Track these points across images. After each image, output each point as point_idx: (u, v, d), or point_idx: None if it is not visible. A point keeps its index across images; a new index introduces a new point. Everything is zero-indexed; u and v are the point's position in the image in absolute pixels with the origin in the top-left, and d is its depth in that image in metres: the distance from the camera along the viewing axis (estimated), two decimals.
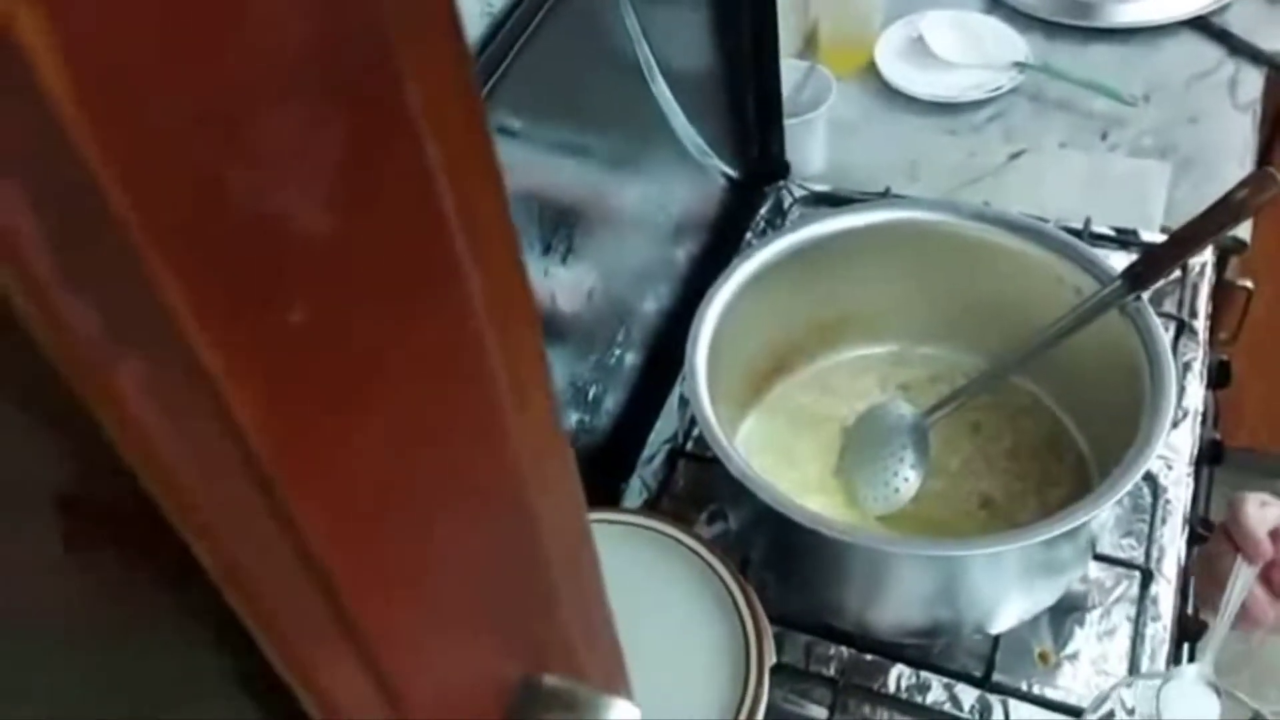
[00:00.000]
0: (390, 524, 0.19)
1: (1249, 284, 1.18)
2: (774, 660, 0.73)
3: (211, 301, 0.14)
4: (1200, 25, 1.36)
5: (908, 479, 0.88)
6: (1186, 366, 1.01)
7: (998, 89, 1.31)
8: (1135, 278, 0.81)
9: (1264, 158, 1.33)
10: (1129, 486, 0.72)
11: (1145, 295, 0.82)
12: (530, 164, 0.83)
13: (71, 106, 0.12)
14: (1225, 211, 0.77)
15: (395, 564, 0.19)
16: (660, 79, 0.98)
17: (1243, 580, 0.84)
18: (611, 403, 1.02)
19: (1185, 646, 0.89)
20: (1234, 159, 1.23)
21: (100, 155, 0.12)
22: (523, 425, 0.21)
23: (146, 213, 0.12)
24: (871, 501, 0.89)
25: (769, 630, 0.75)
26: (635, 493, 1.00)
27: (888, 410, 0.93)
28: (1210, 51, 1.35)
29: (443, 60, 0.17)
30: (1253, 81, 1.31)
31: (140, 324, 0.13)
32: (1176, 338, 1.03)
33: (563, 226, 0.88)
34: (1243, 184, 0.77)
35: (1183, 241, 0.81)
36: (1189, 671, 0.75)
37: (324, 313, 0.16)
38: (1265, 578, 0.87)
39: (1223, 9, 1.37)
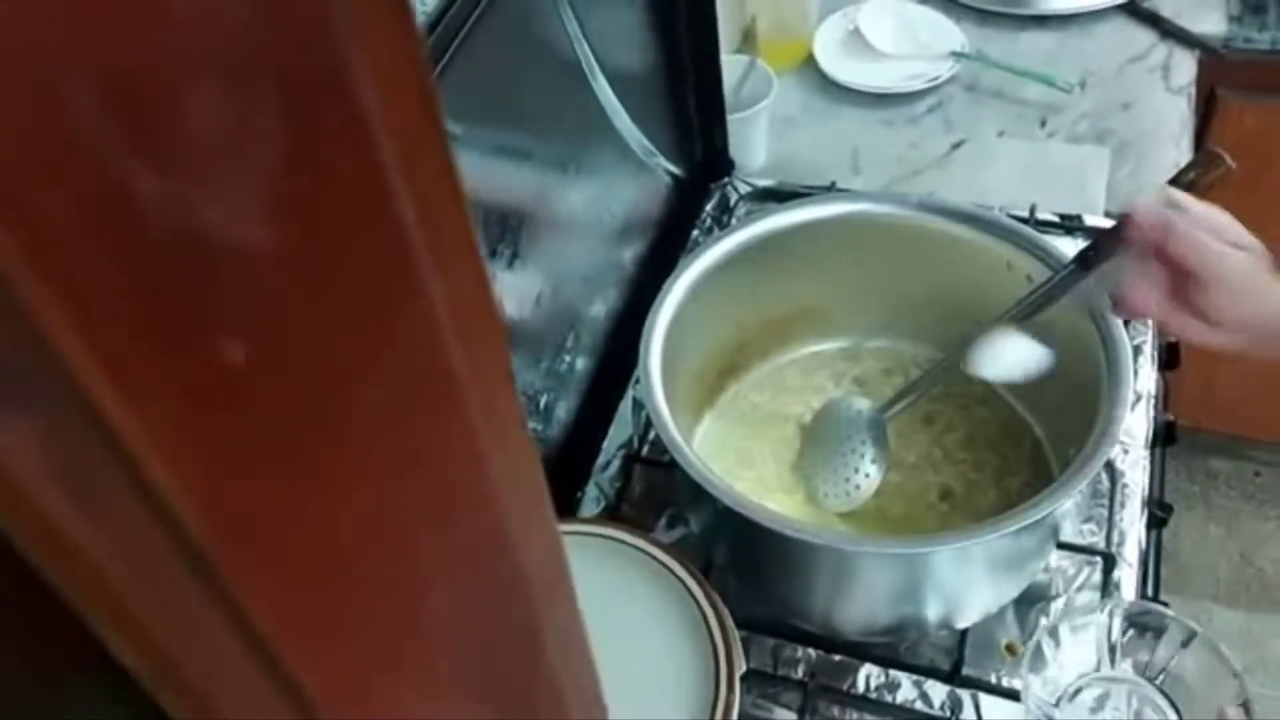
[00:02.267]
0: (363, 602, 0.16)
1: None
2: (744, 668, 0.72)
3: (120, 341, 0.11)
4: (1131, 10, 1.37)
5: (868, 475, 0.87)
6: (1137, 350, 1.01)
7: (935, 79, 1.31)
8: (1087, 261, 0.81)
9: (1199, 139, 1.35)
10: (1093, 474, 0.72)
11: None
12: (472, 169, 0.81)
13: None
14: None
15: (372, 650, 0.16)
16: (602, 79, 0.96)
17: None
18: (563, 410, 1.00)
19: None
20: (1170, 142, 1.24)
21: None
22: (501, 458, 0.19)
23: (27, 225, 0.10)
24: (832, 499, 0.88)
25: (737, 638, 0.73)
26: (592, 501, 0.98)
27: (844, 406, 0.92)
28: (1142, 36, 1.36)
29: (394, 43, 0.15)
30: (1185, 65, 1.32)
31: (26, 375, 0.11)
32: (1127, 322, 1.03)
33: (508, 232, 0.86)
34: (1191, 164, 0.77)
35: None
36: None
37: (266, 348, 0.13)
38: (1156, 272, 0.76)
39: None
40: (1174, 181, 0.77)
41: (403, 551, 0.17)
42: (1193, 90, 1.30)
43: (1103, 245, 0.80)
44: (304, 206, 0.14)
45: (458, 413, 0.18)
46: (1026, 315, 0.82)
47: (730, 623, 0.73)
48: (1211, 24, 1.35)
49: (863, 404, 0.91)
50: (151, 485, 0.12)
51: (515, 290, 0.90)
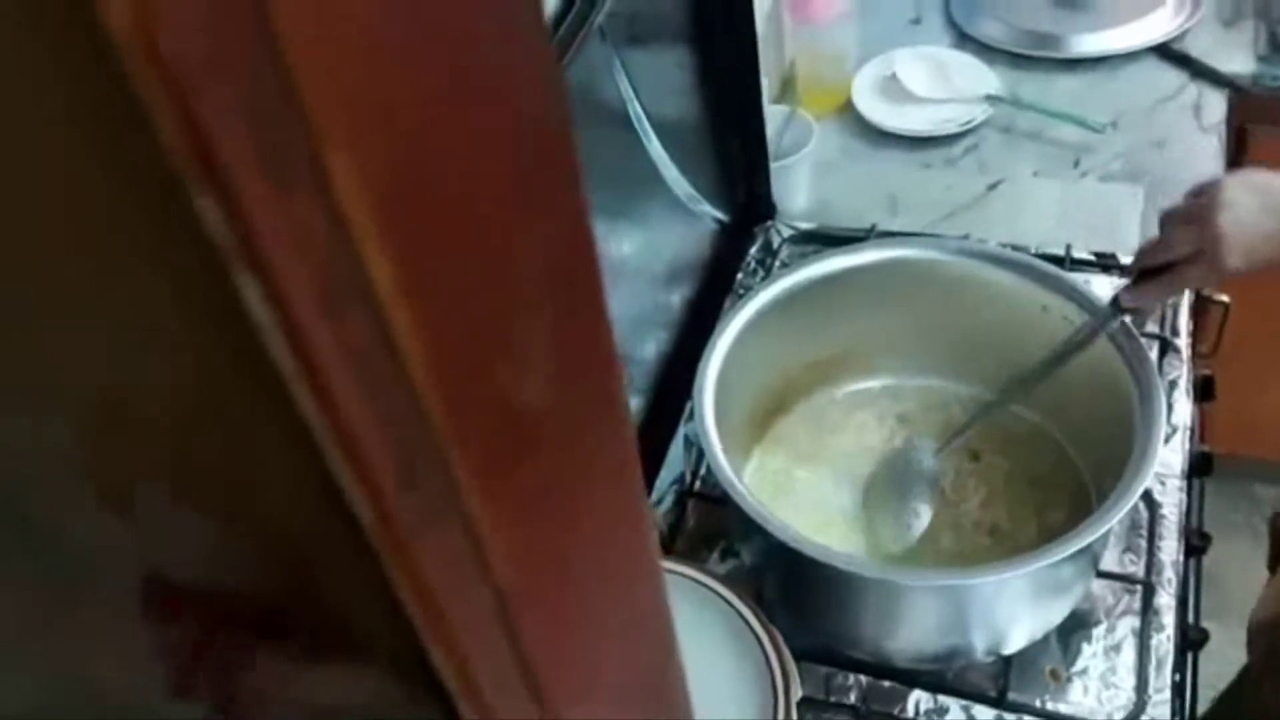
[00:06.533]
0: (582, 633, 0.21)
1: (1225, 299, 1.22)
2: (800, 695, 0.76)
3: (484, 478, 0.17)
4: (1161, 51, 1.41)
5: (918, 514, 0.91)
6: (1173, 384, 1.05)
7: (970, 122, 1.36)
8: (1122, 303, 0.84)
9: None
10: (1128, 507, 0.75)
11: (1129, 320, 0.86)
12: None
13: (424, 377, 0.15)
14: None
15: (586, 666, 0.22)
16: (651, 133, 1.02)
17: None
18: None
19: (1189, 656, 0.92)
20: (1203, 179, 1.27)
21: (441, 406, 0.15)
22: (643, 531, 0.24)
23: (459, 424, 0.15)
24: (892, 544, 0.92)
25: (794, 666, 0.77)
26: None
27: (905, 457, 0.96)
28: (1172, 76, 1.39)
29: (595, 262, 0.21)
30: (1216, 103, 1.35)
31: (445, 507, 0.16)
32: (1161, 356, 1.07)
33: None
34: None
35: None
36: None
37: (543, 468, 0.19)
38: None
39: (1182, 35, 1.42)
40: None
41: (605, 599, 0.23)
42: (1224, 128, 1.33)
43: (1136, 288, 0.84)
44: (564, 374, 0.20)
45: (634, 502, 0.23)
46: (1065, 357, 0.85)
47: (786, 651, 0.77)
48: (1240, 63, 1.39)
49: (921, 454, 0.95)
50: (486, 559, 0.17)
51: None
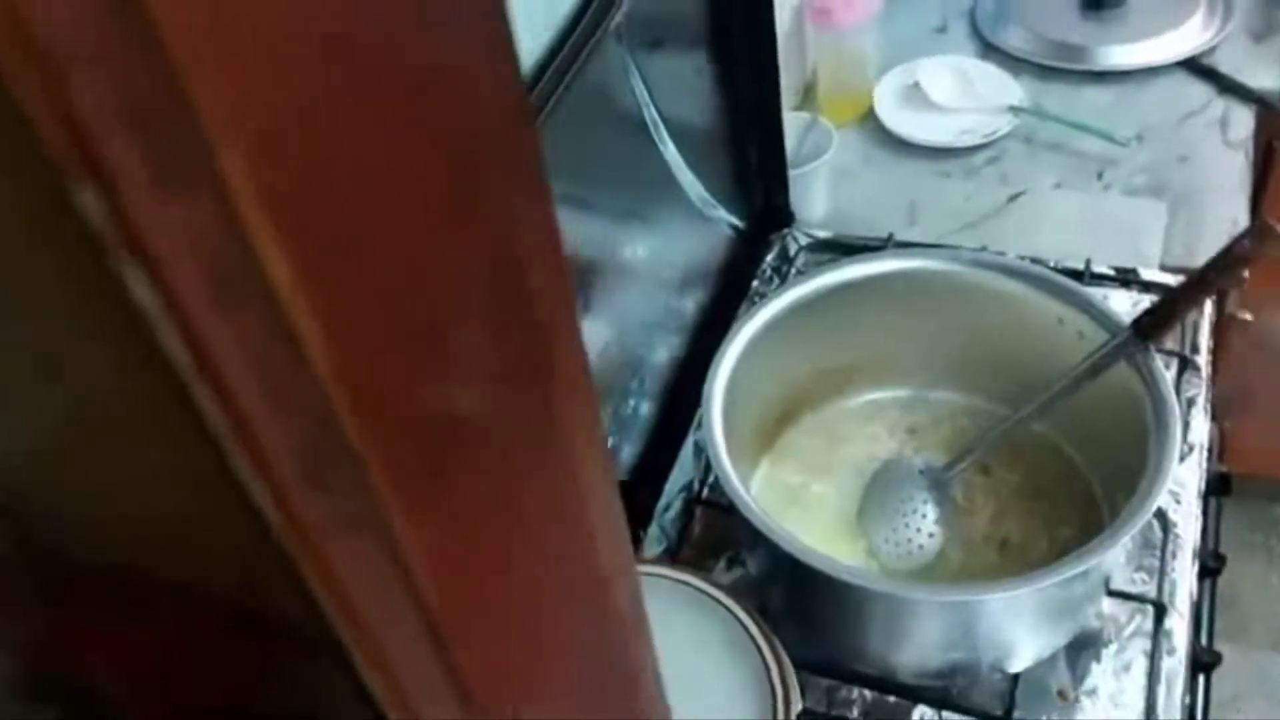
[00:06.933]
0: (524, 643, 0.21)
1: (1249, 317, 1.20)
2: (800, 707, 0.75)
3: (406, 486, 0.16)
4: (1189, 66, 1.40)
5: (932, 535, 0.89)
6: (1191, 402, 1.03)
7: (993, 133, 1.35)
8: (1144, 329, 0.82)
9: (1257, 193, 1.36)
10: (1139, 526, 0.74)
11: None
12: None
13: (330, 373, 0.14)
14: (1229, 263, 0.79)
15: (527, 673, 0.21)
16: (667, 137, 1.01)
17: None
18: (628, 453, 1.05)
19: (1201, 678, 0.91)
20: (1228, 195, 1.26)
21: (350, 408, 0.15)
22: (608, 539, 0.23)
23: (374, 429, 0.15)
24: (894, 559, 0.90)
25: (794, 678, 0.76)
26: (654, 541, 1.02)
27: (903, 465, 0.94)
28: (1200, 91, 1.38)
29: (555, 270, 0.20)
30: (1243, 119, 1.34)
31: (359, 512, 0.16)
32: (1180, 374, 1.05)
33: (581, 284, 0.91)
34: (1243, 235, 0.79)
35: (1189, 291, 0.83)
36: None
37: (481, 480, 0.18)
38: None
39: (1210, 49, 1.41)
40: (1226, 252, 0.79)
41: (553, 604, 0.22)
42: (1250, 144, 1.32)
43: (1160, 318, 0.82)
44: (504, 386, 0.20)
45: (592, 496, 0.22)
46: (1084, 379, 0.84)
47: (788, 664, 0.77)
48: (1269, 79, 1.37)
49: (923, 463, 0.93)
50: (410, 573, 0.17)
51: (585, 340, 0.94)
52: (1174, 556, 0.94)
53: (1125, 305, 1.10)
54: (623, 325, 1.01)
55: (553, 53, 0.82)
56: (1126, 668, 0.88)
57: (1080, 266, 1.13)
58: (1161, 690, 0.86)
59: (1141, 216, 1.24)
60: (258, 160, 0.12)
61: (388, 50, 0.14)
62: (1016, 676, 0.86)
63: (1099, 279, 1.13)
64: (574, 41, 0.83)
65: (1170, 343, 1.08)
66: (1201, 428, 1.03)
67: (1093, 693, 0.87)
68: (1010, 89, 1.39)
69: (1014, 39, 1.48)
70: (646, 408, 1.08)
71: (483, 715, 0.19)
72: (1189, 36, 1.42)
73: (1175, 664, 0.88)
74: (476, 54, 0.16)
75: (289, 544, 0.15)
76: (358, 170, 0.14)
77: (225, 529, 0.16)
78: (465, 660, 0.19)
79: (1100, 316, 0.87)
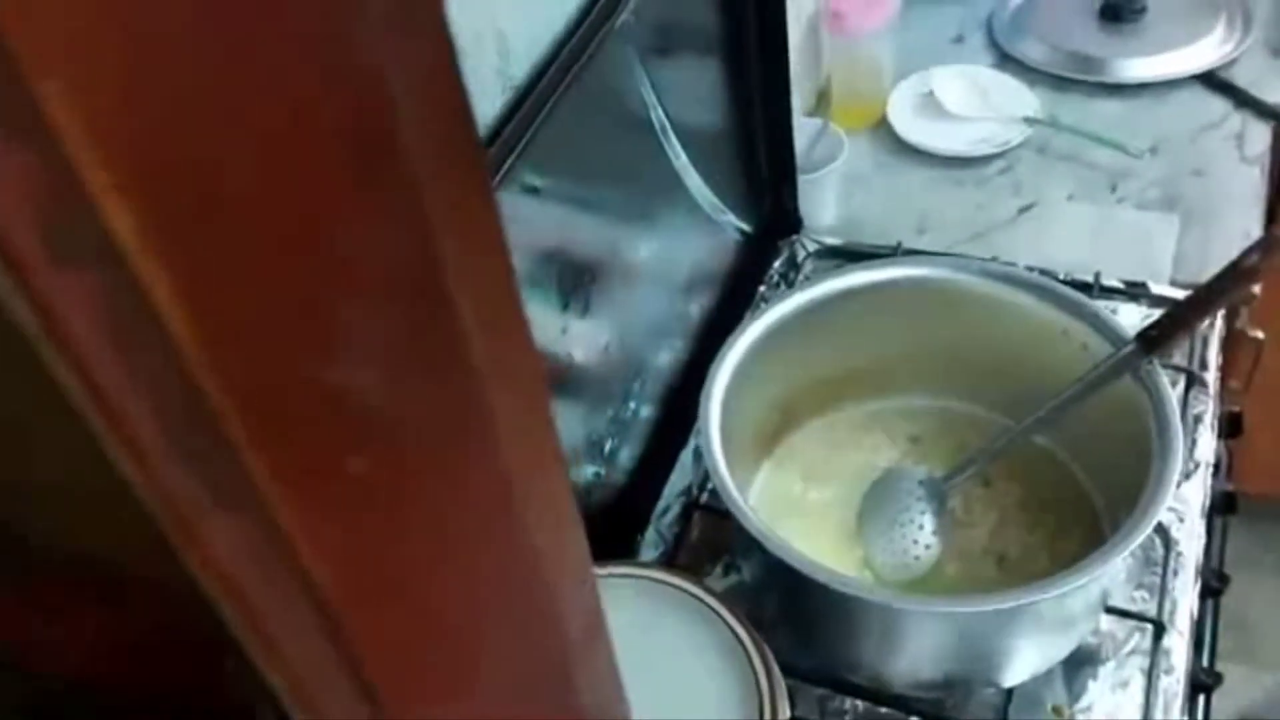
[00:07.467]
0: (435, 644, 0.20)
1: (1260, 335, 1.18)
2: (788, 715, 0.74)
3: (287, 467, 0.16)
4: (1206, 80, 1.38)
5: (929, 546, 0.88)
6: (1197, 419, 1.02)
7: (1007, 144, 1.34)
8: (1149, 342, 0.82)
9: (1272, 209, 1.35)
10: (1137, 542, 0.73)
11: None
12: (551, 223, 0.86)
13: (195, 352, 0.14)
14: (1237, 277, 0.78)
15: (438, 668, 0.21)
16: (674, 140, 1.01)
17: None
18: (626, 456, 1.04)
19: (1200, 699, 0.90)
20: (1242, 210, 1.24)
21: (216, 380, 0.14)
22: (551, 540, 0.23)
23: (244, 403, 0.14)
24: (890, 570, 0.89)
25: (783, 686, 0.75)
26: (651, 545, 1.01)
27: (902, 476, 0.93)
28: (1216, 105, 1.36)
29: (487, 255, 0.19)
30: (1260, 134, 1.32)
31: (232, 489, 0.15)
32: (1187, 390, 1.04)
33: (580, 284, 0.91)
34: (1252, 249, 0.78)
35: (1196, 305, 0.82)
36: None
37: (379, 461, 0.18)
38: None
39: (1229, 64, 1.39)
40: (1234, 266, 0.78)
41: (466, 605, 0.22)
42: (1267, 159, 1.30)
43: (1167, 332, 0.81)
44: (409, 369, 0.19)
45: (513, 517, 0.22)
46: (1088, 392, 0.83)
47: (776, 671, 0.76)
48: None
49: (923, 474, 0.92)
50: (297, 559, 0.16)
51: (585, 339, 0.94)
52: (1175, 575, 0.92)
53: (1134, 319, 1.09)
54: (625, 327, 1.00)
55: (555, 51, 0.81)
56: (1123, 686, 0.87)
57: (1089, 279, 1.12)
58: (1159, 710, 0.85)
59: (1153, 230, 1.23)
60: (87, 98, 0.11)
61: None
62: (1011, 691, 0.85)
63: (1108, 292, 1.12)
64: (576, 42, 0.82)
65: (1178, 358, 1.07)
66: (1208, 445, 1.01)
67: (1088, 710, 0.86)
68: (1025, 99, 1.38)
69: (1031, 50, 1.46)
70: (647, 411, 1.07)
71: (391, 715, 0.19)
72: (1207, 50, 1.41)
73: (1173, 683, 0.86)
74: (388, 21, 0.15)
75: (163, 518, 0.15)
76: (222, 117, 0.14)
77: (110, 502, 0.16)
78: (368, 655, 0.18)
79: (1105, 329, 0.86)
